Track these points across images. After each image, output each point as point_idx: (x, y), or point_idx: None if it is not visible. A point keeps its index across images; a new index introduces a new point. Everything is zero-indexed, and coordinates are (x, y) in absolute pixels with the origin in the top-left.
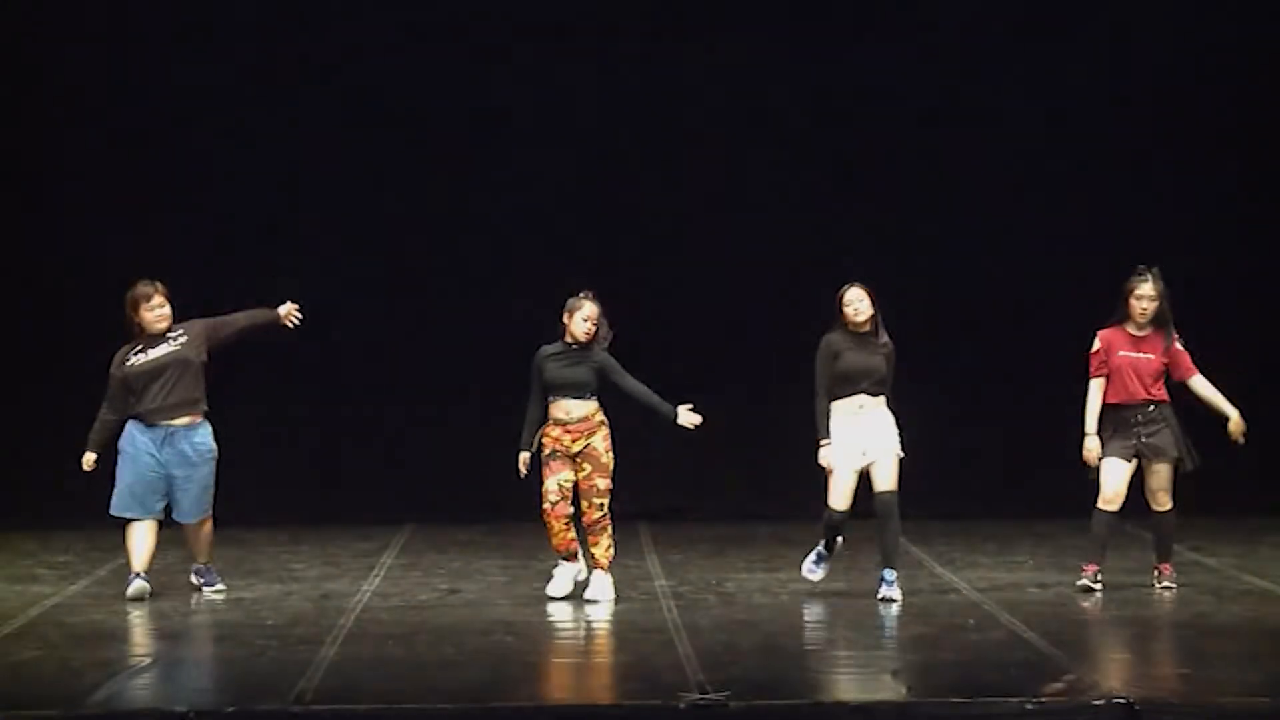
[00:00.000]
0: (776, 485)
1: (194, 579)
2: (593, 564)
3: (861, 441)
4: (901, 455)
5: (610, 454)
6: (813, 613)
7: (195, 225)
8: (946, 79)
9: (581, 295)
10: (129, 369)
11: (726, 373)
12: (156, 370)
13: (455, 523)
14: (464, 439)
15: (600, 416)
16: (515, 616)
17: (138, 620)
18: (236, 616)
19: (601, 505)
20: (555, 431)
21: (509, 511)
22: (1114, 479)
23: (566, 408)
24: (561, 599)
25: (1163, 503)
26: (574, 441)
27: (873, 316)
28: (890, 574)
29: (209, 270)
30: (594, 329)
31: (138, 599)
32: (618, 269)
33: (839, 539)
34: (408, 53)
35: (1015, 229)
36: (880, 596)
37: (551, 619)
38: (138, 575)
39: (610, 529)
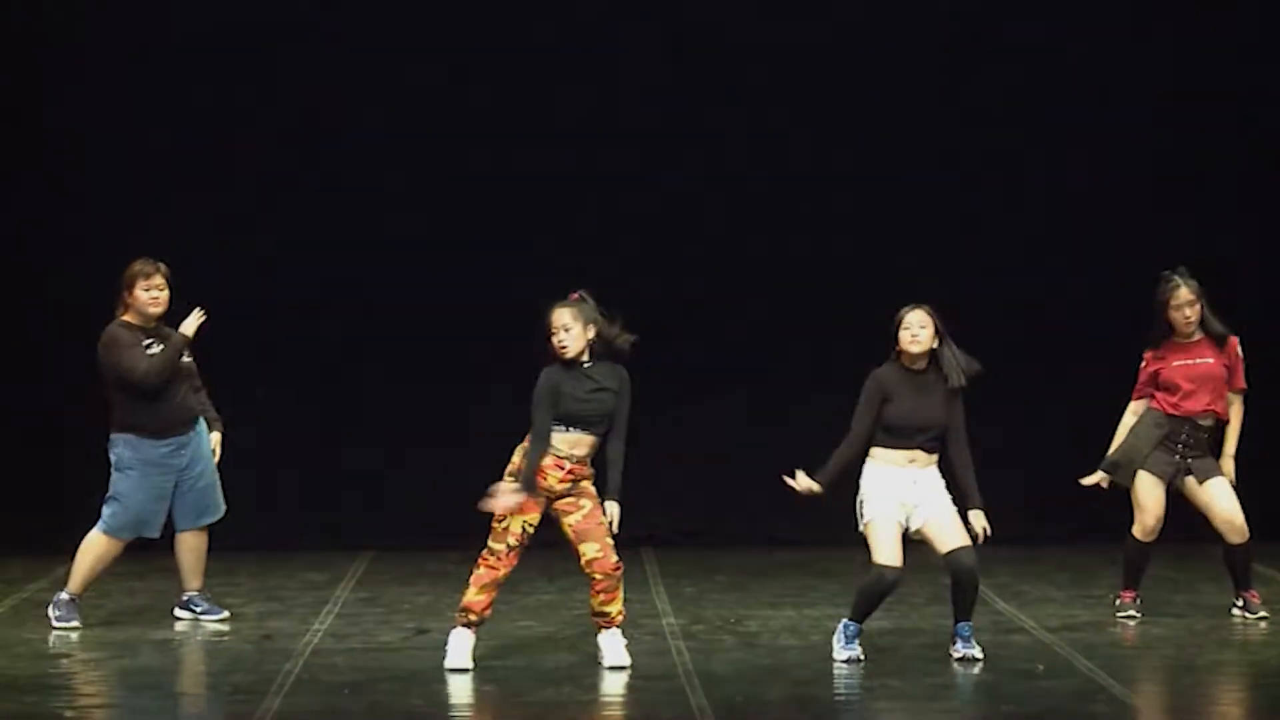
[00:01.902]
0: (806, 507)
1: (190, 610)
2: (607, 622)
3: (906, 497)
4: (974, 533)
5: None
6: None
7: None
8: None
9: (571, 294)
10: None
11: (751, 376)
12: (184, 368)
13: (423, 550)
14: (434, 453)
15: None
16: (496, 660)
17: (47, 665)
18: (161, 662)
19: (613, 546)
20: (545, 461)
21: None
22: (1154, 504)
23: (575, 441)
24: (466, 671)
25: (1242, 530)
26: (562, 483)
27: (932, 350)
28: (967, 628)
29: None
30: (569, 344)
31: (68, 627)
32: (630, 270)
33: (874, 609)
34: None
35: (1071, 237)
36: (958, 656)
37: (538, 664)
38: (73, 598)
39: (621, 585)
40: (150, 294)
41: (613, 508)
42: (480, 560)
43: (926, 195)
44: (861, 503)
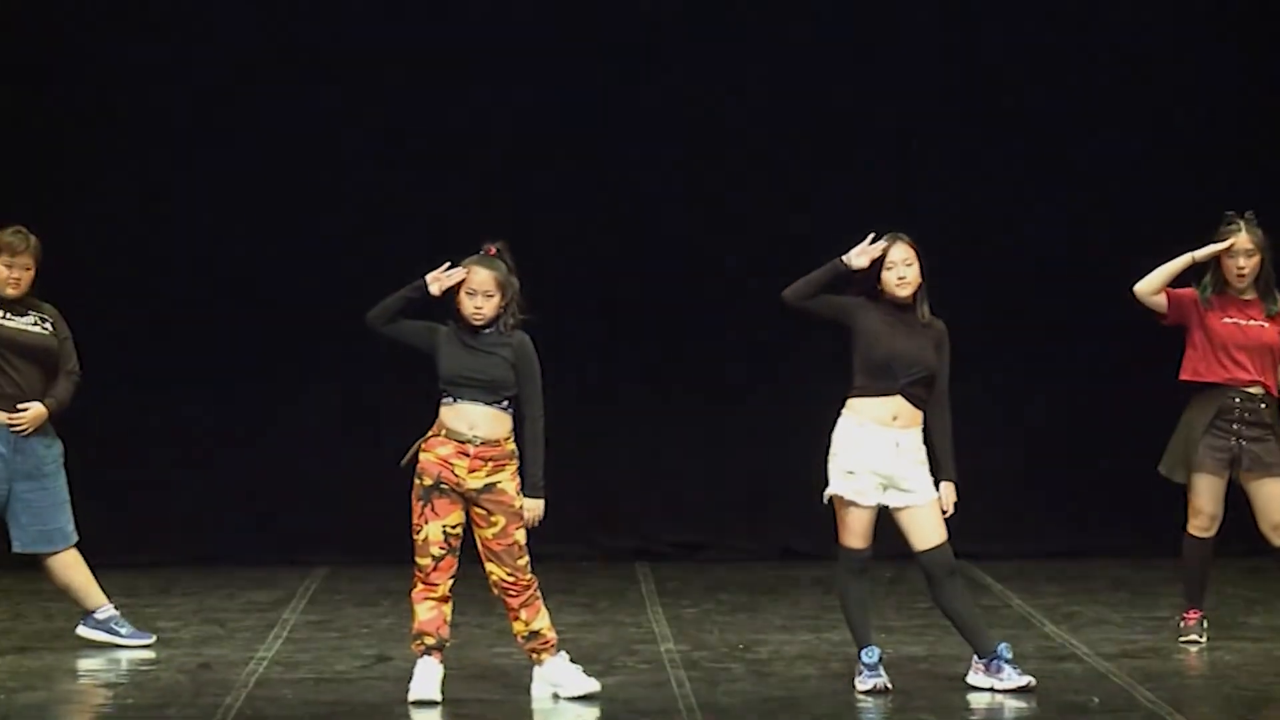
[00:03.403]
0: (825, 515)
1: (97, 633)
2: (543, 645)
3: (885, 469)
4: (943, 507)
5: (521, 497)
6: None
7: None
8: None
9: (481, 252)
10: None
11: (761, 366)
12: (27, 346)
13: (383, 564)
14: (395, 454)
15: (512, 444)
16: (467, 693)
17: None
18: (83, 694)
19: (528, 566)
20: (445, 450)
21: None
22: (1209, 495)
23: (470, 417)
24: (434, 705)
25: None
26: (472, 474)
27: (920, 286)
28: (1008, 648)
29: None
30: (485, 310)
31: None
32: (635, 270)
33: (868, 614)
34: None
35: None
36: (1007, 687)
37: (515, 698)
38: None
39: (541, 596)
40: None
41: (531, 506)
42: (414, 579)
43: (942, 194)
44: (831, 467)
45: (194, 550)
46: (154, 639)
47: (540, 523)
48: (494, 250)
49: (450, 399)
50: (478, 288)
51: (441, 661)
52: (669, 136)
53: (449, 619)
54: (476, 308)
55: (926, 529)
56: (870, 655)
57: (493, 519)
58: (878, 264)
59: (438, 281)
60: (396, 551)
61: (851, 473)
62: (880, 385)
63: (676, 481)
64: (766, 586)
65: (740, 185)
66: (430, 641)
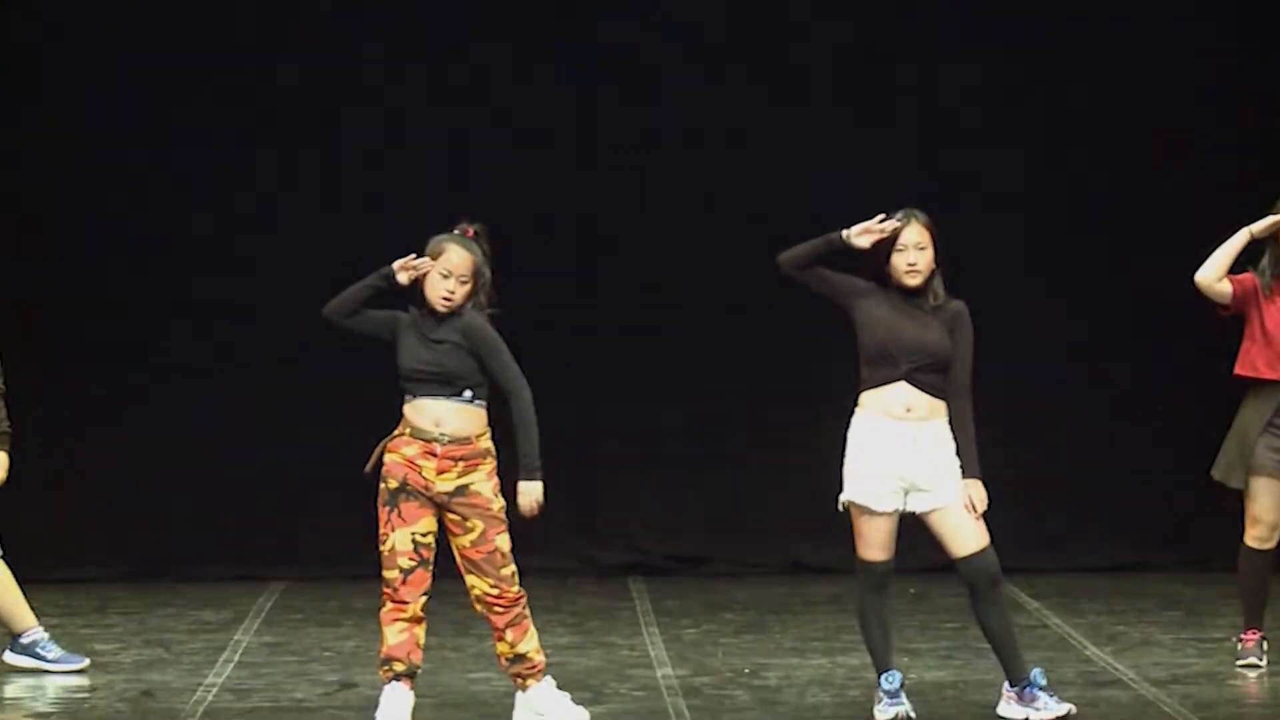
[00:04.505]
0: (840, 524)
1: (22, 659)
2: (529, 670)
3: (903, 469)
4: (967, 507)
5: (501, 499)
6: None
7: None
8: None
9: (454, 231)
10: None
11: (768, 370)
12: None
13: (347, 579)
14: (358, 458)
15: (488, 441)
16: None
17: None
18: None
19: (514, 577)
20: (411, 450)
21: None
22: (1268, 501)
23: (433, 414)
24: None
25: None
26: (441, 476)
27: (933, 273)
28: (1043, 674)
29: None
30: (457, 296)
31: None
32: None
33: (889, 634)
34: None
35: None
36: (1044, 718)
37: None
38: None
39: (529, 614)
40: None
41: (527, 490)
42: (382, 597)
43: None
44: (845, 470)
45: (135, 564)
46: (87, 663)
47: (531, 518)
48: (472, 231)
49: (410, 395)
50: (453, 269)
51: (413, 689)
52: (661, 133)
53: (421, 642)
54: (449, 292)
55: (963, 532)
56: (891, 681)
57: (468, 524)
58: (888, 244)
59: (406, 270)
60: (361, 565)
61: (865, 475)
62: (883, 373)
63: (674, 487)
64: (775, 604)
65: (740, 187)
66: (400, 668)
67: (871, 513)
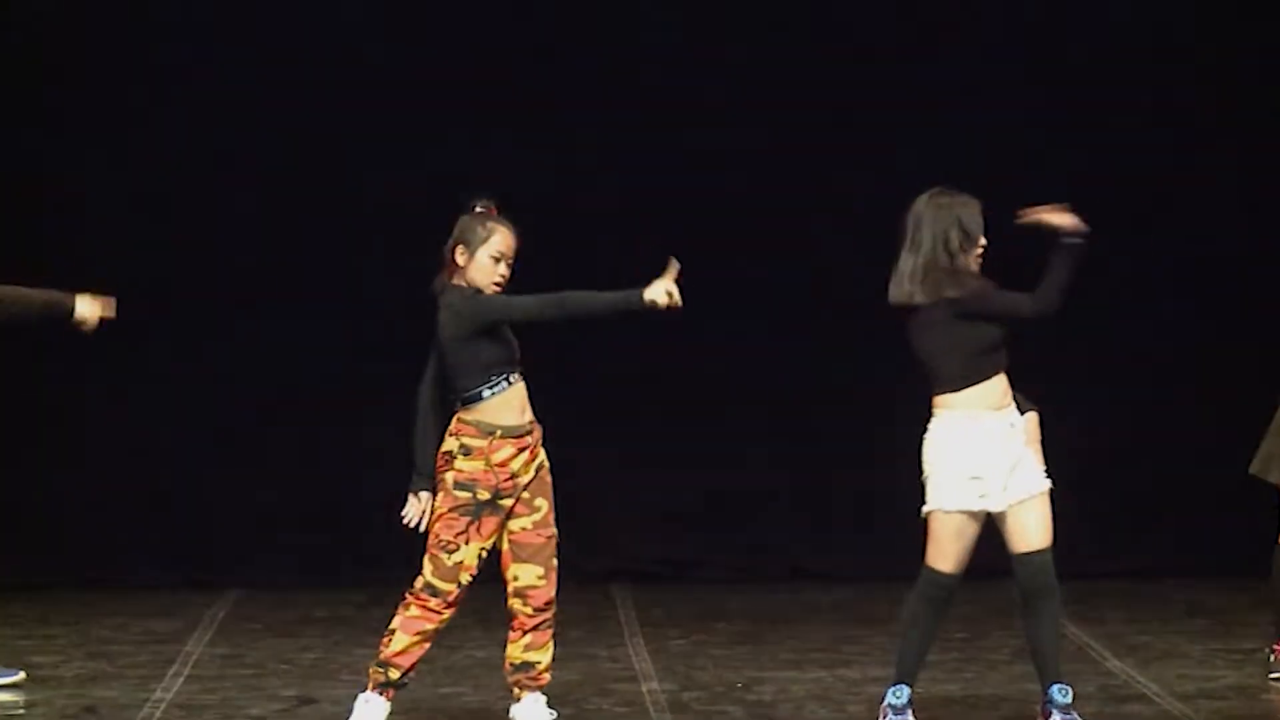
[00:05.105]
0: (841, 528)
1: None
2: (533, 680)
3: (1009, 459)
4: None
5: None
6: None
7: None
8: None
9: (475, 210)
10: None
11: (767, 367)
12: None
13: (306, 588)
14: (323, 454)
15: None
16: None
17: None
18: None
19: (556, 572)
20: (503, 454)
21: (396, 568)
22: None
23: (521, 400)
24: None
25: None
26: (527, 466)
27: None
28: (1062, 692)
29: None
30: (504, 282)
31: None
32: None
33: (926, 653)
34: None
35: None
36: None
37: None
38: None
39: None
40: None
41: (658, 286)
42: (415, 599)
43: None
44: (940, 476)
45: (79, 570)
46: (21, 676)
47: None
48: (495, 209)
49: (505, 384)
50: (504, 254)
51: (391, 702)
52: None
53: (420, 658)
54: (502, 277)
55: (1027, 528)
56: (899, 695)
57: (535, 504)
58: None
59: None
60: (323, 572)
61: (978, 478)
62: (992, 365)
63: (662, 486)
64: (771, 613)
65: (718, 187)
66: (394, 675)
67: (965, 517)
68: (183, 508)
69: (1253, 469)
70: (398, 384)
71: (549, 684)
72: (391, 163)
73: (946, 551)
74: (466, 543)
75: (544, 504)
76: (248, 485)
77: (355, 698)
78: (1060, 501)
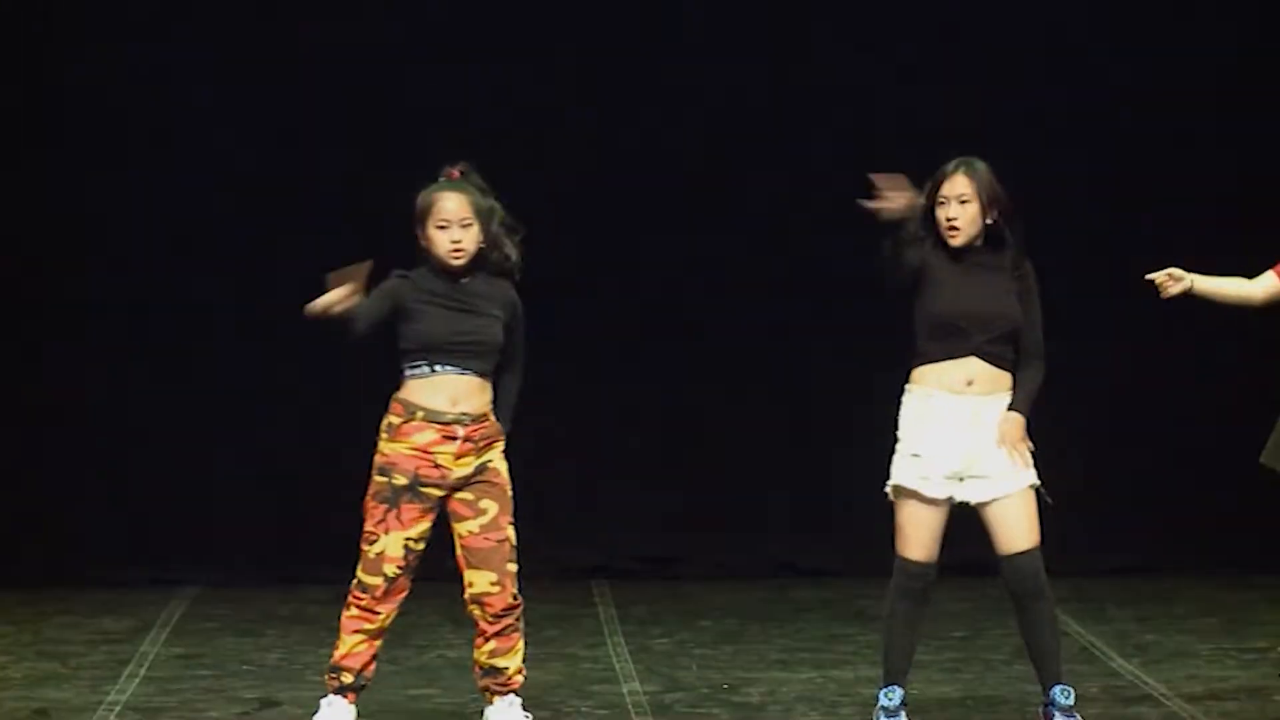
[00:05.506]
0: (833, 523)
1: None
2: (503, 685)
3: (959, 449)
4: (1041, 489)
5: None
6: None
7: None
8: None
9: (441, 178)
10: None
11: (754, 352)
12: None
13: (269, 584)
14: (282, 446)
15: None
16: None
17: None
18: None
19: (515, 576)
20: (424, 437)
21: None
22: None
23: (453, 391)
24: None
25: None
26: (460, 461)
27: (984, 225)
28: (1064, 694)
29: None
30: (465, 242)
31: None
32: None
33: (912, 650)
34: None
35: None
36: None
37: None
38: None
39: (522, 626)
40: None
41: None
42: (350, 600)
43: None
44: (896, 453)
45: (27, 566)
46: None
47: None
48: (458, 173)
49: (426, 368)
50: (451, 217)
51: (355, 704)
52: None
53: (376, 656)
54: (454, 242)
55: (1011, 528)
56: (891, 697)
57: (480, 506)
58: (930, 198)
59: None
60: (285, 567)
61: (918, 455)
62: (948, 347)
63: (642, 477)
64: (759, 612)
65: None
66: (349, 679)
67: (918, 501)
68: (138, 501)
69: (1263, 459)
70: (358, 379)
71: (525, 685)
72: None
73: (908, 537)
74: (386, 532)
75: (492, 506)
76: (205, 478)
77: (319, 700)
78: (1065, 493)
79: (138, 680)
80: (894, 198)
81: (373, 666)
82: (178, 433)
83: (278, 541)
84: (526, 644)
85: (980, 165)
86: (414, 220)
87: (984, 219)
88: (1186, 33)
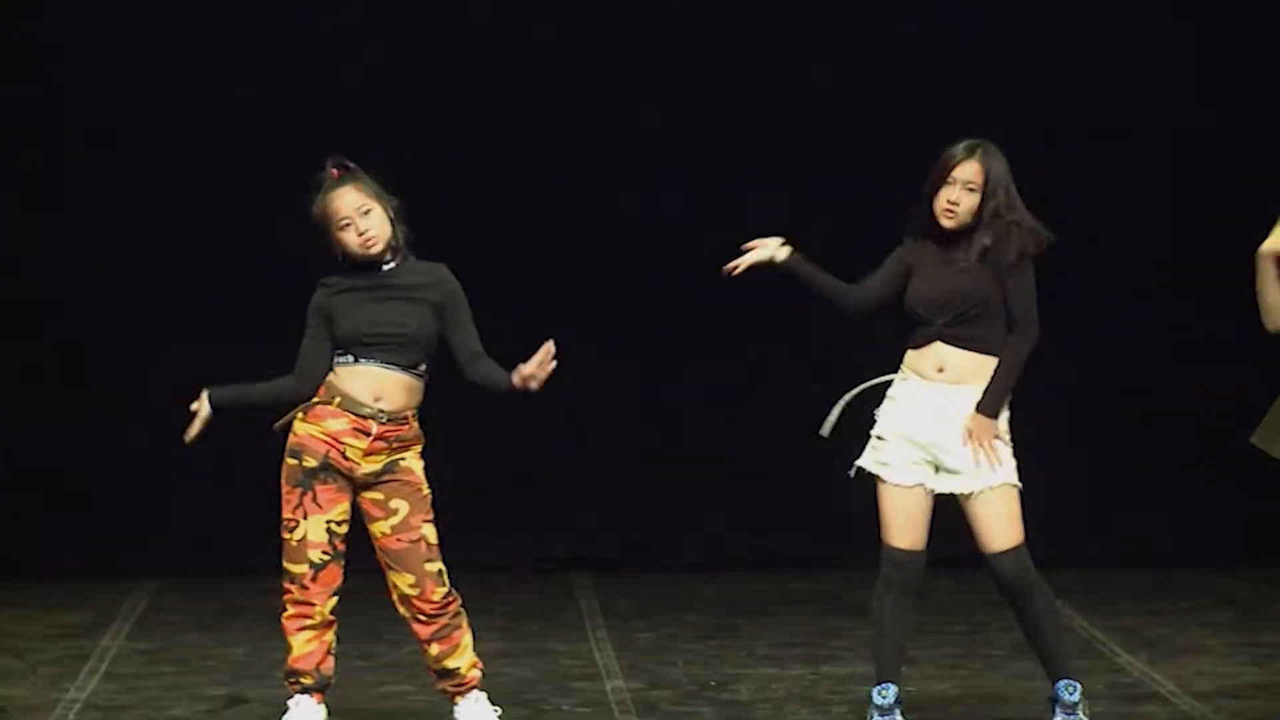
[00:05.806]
0: (825, 512)
1: None
2: (458, 686)
3: (927, 437)
4: (1017, 486)
5: (428, 486)
6: None
7: None
8: None
9: (323, 180)
10: None
11: (743, 330)
12: None
13: (233, 576)
14: (247, 435)
15: (417, 424)
16: None
17: None
18: None
19: (441, 576)
20: (337, 424)
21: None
22: None
23: (374, 385)
24: None
25: None
26: (369, 458)
27: (982, 207)
28: (1069, 689)
29: None
30: (374, 230)
31: None
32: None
33: (903, 644)
34: None
35: None
36: None
37: None
38: None
39: (466, 617)
40: None
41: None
42: (283, 598)
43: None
44: (870, 435)
45: None
46: None
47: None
48: (337, 172)
49: (349, 358)
50: (348, 212)
51: (323, 702)
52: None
53: (333, 649)
54: (361, 234)
55: (989, 527)
56: (885, 695)
57: (390, 505)
58: (937, 181)
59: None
60: (251, 558)
61: (882, 438)
62: (919, 334)
63: (626, 463)
64: (748, 605)
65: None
66: (308, 681)
67: (889, 486)
68: (96, 492)
69: (1255, 440)
70: None
71: (502, 681)
72: None
73: (889, 523)
74: (305, 517)
75: (403, 506)
76: (164, 467)
77: (287, 697)
78: (1073, 483)
79: (98, 676)
80: (763, 243)
81: (329, 661)
82: (133, 421)
83: (238, 532)
84: (476, 638)
85: (995, 154)
86: (320, 234)
87: (981, 208)
88: (1190, 28)
